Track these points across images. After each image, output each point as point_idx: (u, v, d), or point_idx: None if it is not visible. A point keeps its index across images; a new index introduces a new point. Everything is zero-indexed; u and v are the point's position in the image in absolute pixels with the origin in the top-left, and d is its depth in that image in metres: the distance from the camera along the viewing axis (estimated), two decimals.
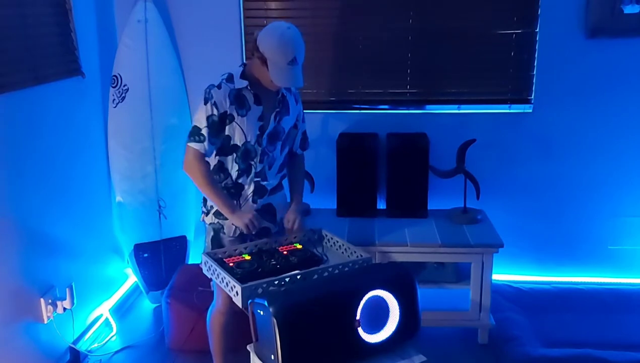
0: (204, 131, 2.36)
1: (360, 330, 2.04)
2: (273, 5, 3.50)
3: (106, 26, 3.51)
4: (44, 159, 2.85)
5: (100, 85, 3.42)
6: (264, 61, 2.30)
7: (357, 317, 2.03)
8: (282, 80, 2.32)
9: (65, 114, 3.04)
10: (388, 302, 2.11)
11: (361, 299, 2.04)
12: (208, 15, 3.50)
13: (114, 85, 3.39)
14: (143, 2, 3.37)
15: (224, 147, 2.43)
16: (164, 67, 3.46)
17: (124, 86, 3.37)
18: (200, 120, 2.37)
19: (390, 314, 2.12)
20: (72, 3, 3.02)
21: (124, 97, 3.38)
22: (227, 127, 2.39)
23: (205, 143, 2.36)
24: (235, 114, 2.38)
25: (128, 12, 3.40)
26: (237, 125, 2.39)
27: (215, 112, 2.35)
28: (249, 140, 2.41)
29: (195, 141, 2.37)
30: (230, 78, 2.40)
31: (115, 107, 3.40)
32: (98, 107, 3.43)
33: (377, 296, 2.08)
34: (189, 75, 3.58)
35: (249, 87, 2.39)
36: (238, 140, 2.41)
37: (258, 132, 2.42)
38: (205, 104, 2.35)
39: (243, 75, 2.40)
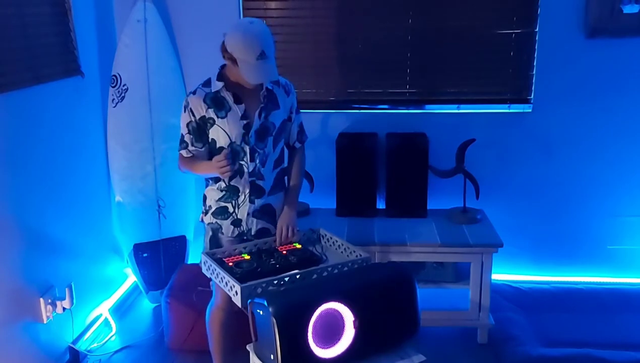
0: (187, 138, 2.44)
1: (358, 328, 2.04)
2: (273, 5, 3.50)
3: (105, 26, 3.51)
4: (43, 159, 2.85)
5: (99, 85, 3.42)
6: (234, 61, 2.29)
7: (354, 316, 2.03)
8: (254, 77, 2.29)
9: (64, 114, 3.04)
10: (387, 301, 2.11)
11: (359, 299, 2.04)
12: (207, 14, 3.49)
13: (113, 85, 3.39)
14: (142, 2, 3.37)
15: (212, 151, 2.44)
16: (163, 67, 3.45)
17: (124, 86, 3.37)
18: (182, 127, 2.45)
19: (389, 313, 2.11)
20: (71, 3, 3.02)
21: (123, 97, 3.38)
22: (210, 131, 2.41)
23: (190, 148, 2.44)
24: (214, 117, 2.38)
25: (127, 11, 3.40)
26: (219, 128, 2.39)
27: (192, 118, 2.40)
28: (234, 140, 2.41)
29: (182, 148, 2.47)
30: (207, 82, 2.42)
31: (114, 106, 3.40)
32: (97, 106, 3.43)
33: (376, 295, 2.08)
34: (188, 75, 3.58)
35: (225, 88, 2.38)
36: (223, 142, 2.41)
37: (243, 131, 2.41)
38: (184, 111, 2.42)
39: (220, 77, 2.40)
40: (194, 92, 2.40)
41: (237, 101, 2.39)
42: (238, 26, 2.29)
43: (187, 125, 2.41)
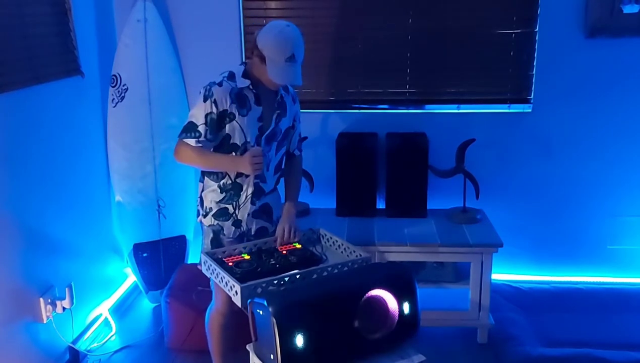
0: (201, 128, 2.34)
1: (359, 329, 2.04)
2: (272, 5, 3.50)
3: (105, 26, 3.51)
4: (43, 159, 2.85)
5: (99, 85, 3.42)
6: (262, 59, 2.29)
7: (356, 317, 2.03)
8: (280, 77, 2.30)
9: (64, 114, 3.04)
10: (387, 301, 2.11)
11: (360, 299, 2.04)
12: (207, 14, 3.50)
13: (113, 85, 3.39)
14: (142, 2, 3.37)
15: (223, 146, 2.41)
16: (164, 67, 3.45)
17: (123, 86, 3.37)
18: (197, 116, 2.35)
19: (390, 314, 2.12)
20: (71, 3, 3.02)
21: (123, 97, 3.38)
22: (227, 126, 2.37)
23: (201, 139, 2.35)
24: (236, 113, 2.36)
25: (127, 11, 3.40)
26: (237, 125, 2.37)
27: (214, 110, 2.33)
28: (248, 140, 2.40)
29: (190, 137, 2.36)
30: (231, 76, 2.38)
31: (114, 106, 3.40)
32: (97, 106, 3.43)
33: (376, 295, 2.08)
34: (188, 75, 3.58)
35: (250, 87, 2.38)
36: (238, 139, 2.40)
37: (257, 133, 2.42)
38: (205, 101, 2.33)
39: (245, 75, 2.38)
40: (219, 84, 2.34)
41: (257, 102, 2.40)
42: (274, 26, 2.30)
43: (206, 116, 2.33)
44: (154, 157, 3.45)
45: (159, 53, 3.43)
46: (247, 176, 2.44)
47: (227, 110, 2.35)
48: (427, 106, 3.56)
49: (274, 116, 2.44)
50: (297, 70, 2.32)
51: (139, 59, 3.37)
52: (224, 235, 2.53)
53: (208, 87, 2.34)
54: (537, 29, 3.38)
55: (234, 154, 2.41)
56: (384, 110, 3.57)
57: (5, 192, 2.57)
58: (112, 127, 3.44)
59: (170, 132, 3.41)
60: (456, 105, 3.52)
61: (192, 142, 2.36)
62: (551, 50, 3.39)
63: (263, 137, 2.43)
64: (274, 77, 2.30)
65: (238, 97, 2.36)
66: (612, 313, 3.30)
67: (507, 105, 3.50)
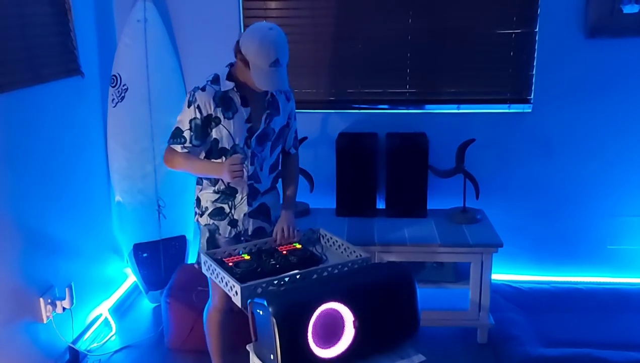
0: (186, 134, 2.36)
1: (358, 329, 2.04)
2: (272, 5, 3.50)
3: (105, 26, 3.51)
4: (43, 159, 2.85)
5: (99, 85, 3.42)
6: (246, 63, 2.27)
7: (356, 317, 2.03)
8: (265, 84, 2.28)
9: (64, 114, 3.04)
10: (387, 301, 2.11)
11: (359, 299, 2.04)
12: (207, 14, 3.50)
13: (113, 85, 3.39)
14: (142, 2, 3.37)
15: (212, 150, 2.40)
16: (163, 67, 3.45)
17: (123, 86, 3.37)
18: (183, 122, 2.37)
19: (389, 313, 2.11)
20: (71, 3, 3.02)
21: (123, 97, 3.38)
22: (213, 130, 2.37)
23: (187, 145, 2.37)
24: (221, 117, 2.35)
25: (127, 11, 3.40)
26: (224, 128, 2.36)
27: (198, 115, 2.33)
28: (237, 143, 2.39)
29: (176, 143, 2.38)
30: (215, 80, 2.37)
31: (114, 106, 3.40)
32: (97, 106, 3.43)
33: (376, 295, 2.09)
34: (188, 75, 3.58)
35: (235, 89, 2.35)
36: (226, 143, 2.38)
37: (246, 134, 2.40)
38: (189, 106, 2.34)
39: (229, 77, 2.36)
40: (202, 89, 2.34)
41: (244, 104, 2.38)
42: (257, 30, 2.26)
43: (190, 121, 2.34)
44: (154, 157, 3.45)
45: (159, 53, 3.43)
46: (241, 178, 2.44)
47: (211, 114, 2.34)
48: (427, 106, 3.56)
49: (264, 116, 2.41)
50: (282, 74, 2.28)
51: (139, 59, 3.37)
52: (220, 234, 2.53)
53: (192, 92, 2.35)
54: (537, 29, 3.38)
55: (223, 158, 2.40)
56: (384, 110, 3.58)
57: (5, 192, 2.57)
58: (112, 127, 3.44)
59: (170, 131, 3.41)
60: (456, 105, 3.52)
61: (178, 148, 2.38)
62: (551, 50, 3.39)
63: (253, 138, 2.41)
64: (258, 83, 2.27)
65: (223, 100, 2.35)
66: (612, 313, 3.30)
67: (507, 105, 3.50)
